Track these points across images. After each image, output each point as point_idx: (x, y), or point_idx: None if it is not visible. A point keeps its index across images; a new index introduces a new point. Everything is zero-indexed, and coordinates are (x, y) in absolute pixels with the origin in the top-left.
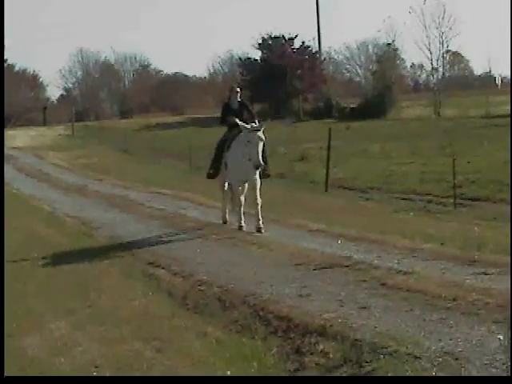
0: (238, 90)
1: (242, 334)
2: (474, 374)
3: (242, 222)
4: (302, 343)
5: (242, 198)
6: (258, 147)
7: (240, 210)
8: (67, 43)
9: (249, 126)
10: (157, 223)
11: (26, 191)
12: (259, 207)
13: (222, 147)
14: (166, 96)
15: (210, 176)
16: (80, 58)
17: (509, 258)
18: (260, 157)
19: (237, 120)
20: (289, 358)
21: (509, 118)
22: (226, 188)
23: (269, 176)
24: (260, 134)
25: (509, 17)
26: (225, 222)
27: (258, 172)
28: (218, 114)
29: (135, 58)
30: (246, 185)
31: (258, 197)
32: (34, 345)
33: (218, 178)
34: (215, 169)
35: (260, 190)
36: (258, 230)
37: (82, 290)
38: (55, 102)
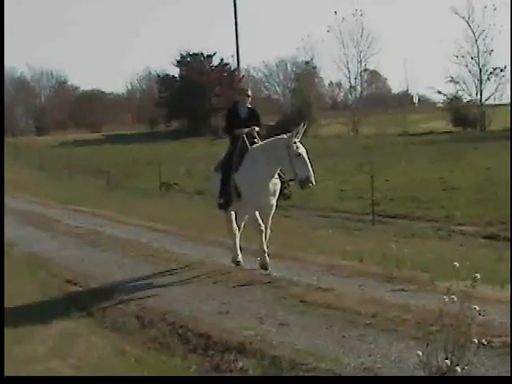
0: (250, 93)
1: (161, 351)
2: None
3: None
4: (221, 360)
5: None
6: (307, 160)
7: (263, 241)
8: None
9: (289, 136)
10: (74, 241)
11: None
12: (267, 240)
13: (229, 167)
14: (83, 112)
15: (223, 206)
16: None
17: (426, 275)
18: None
19: (244, 131)
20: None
21: (426, 136)
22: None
23: (289, 197)
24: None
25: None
26: (237, 263)
27: (276, 196)
28: (138, 131)
29: (51, 74)
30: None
31: (269, 227)
32: None
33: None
34: (227, 195)
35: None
36: (263, 266)
37: None
38: None
